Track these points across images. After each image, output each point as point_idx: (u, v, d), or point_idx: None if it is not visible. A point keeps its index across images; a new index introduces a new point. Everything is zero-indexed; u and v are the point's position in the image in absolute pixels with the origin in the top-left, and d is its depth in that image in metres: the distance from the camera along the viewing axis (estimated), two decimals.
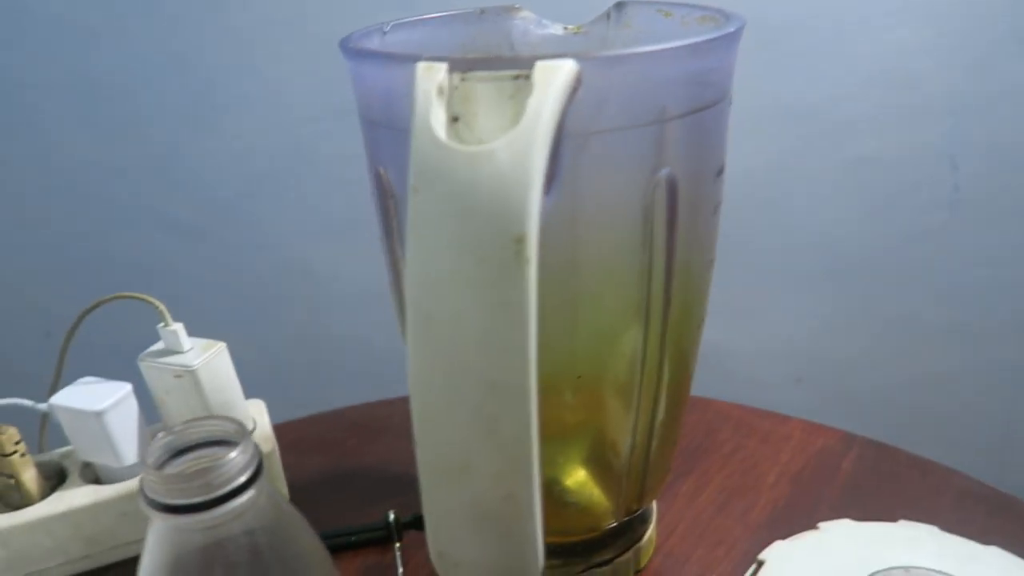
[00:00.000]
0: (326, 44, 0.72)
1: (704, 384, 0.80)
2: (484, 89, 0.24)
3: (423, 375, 0.23)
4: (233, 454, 0.23)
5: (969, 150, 0.65)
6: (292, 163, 0.75)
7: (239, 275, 0.81)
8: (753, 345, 0.76)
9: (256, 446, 0.24)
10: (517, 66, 0.23)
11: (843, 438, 0.47)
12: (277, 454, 0.44)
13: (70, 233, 0.80)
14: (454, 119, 0.24)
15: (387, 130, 0.28)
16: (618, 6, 0.35)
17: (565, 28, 0.38)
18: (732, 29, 0.26)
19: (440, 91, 0.24)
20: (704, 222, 0.30)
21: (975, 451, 0.77)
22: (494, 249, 0.22)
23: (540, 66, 0.23)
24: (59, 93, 0.74)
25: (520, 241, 0.22)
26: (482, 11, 0.36)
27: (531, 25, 0.37)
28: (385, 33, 0.33)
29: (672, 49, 0.24)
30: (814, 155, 0.67)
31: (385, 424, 0.52)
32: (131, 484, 0.40)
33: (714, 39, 0.26)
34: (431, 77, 0.23)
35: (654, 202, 0.27)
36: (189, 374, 0.39)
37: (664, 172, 0.27)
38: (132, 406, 0.40)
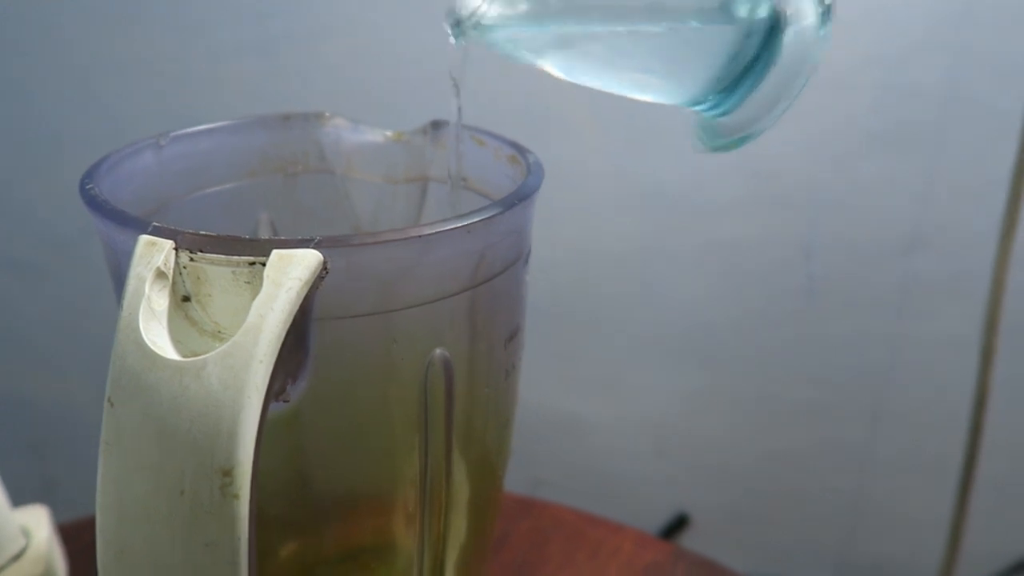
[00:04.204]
0: (175, 80, 0.67)
1: (564, 453, 0.78)
2: (217, 272, 0.21)
3: None
4: None
5: (824, 242, 0.65)
6: None
7: (81, 317, 0.75)
8: (616, 417, 0.75)
9: None
10: (253, 251, 0.20)
11: (671, 554, 0.46)
12: (59, 571, 0.39)
13: None
14: (185, 298, 0.21)
15: None
16: (435, 124, 0.33)
17: (384, 134, 0.35)
18: (517, 203, 0.24)
19: (160, 274, 0.20)
20: (494, 388, 0.27)
21: (826, 521, 0.79)
22: (197, 482, 0.19)
23: (275, 256, 0.20)
24: None
25: (228, 474, 0.19)
26: (286, 116, 0.33)
27: (344, 132, 0.34)
28: (161, 147, 0.29)
29: (440, 233, 0.22)
30: (678, 237, 0.66)
31: None
32: None
33: (495, 216, 0.23)
34: (149, 258, 0.20)
35: (428, 380, 0.25)
36: None
37: (438, 352, 0.24)
38: None
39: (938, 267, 0.67)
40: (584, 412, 0.76)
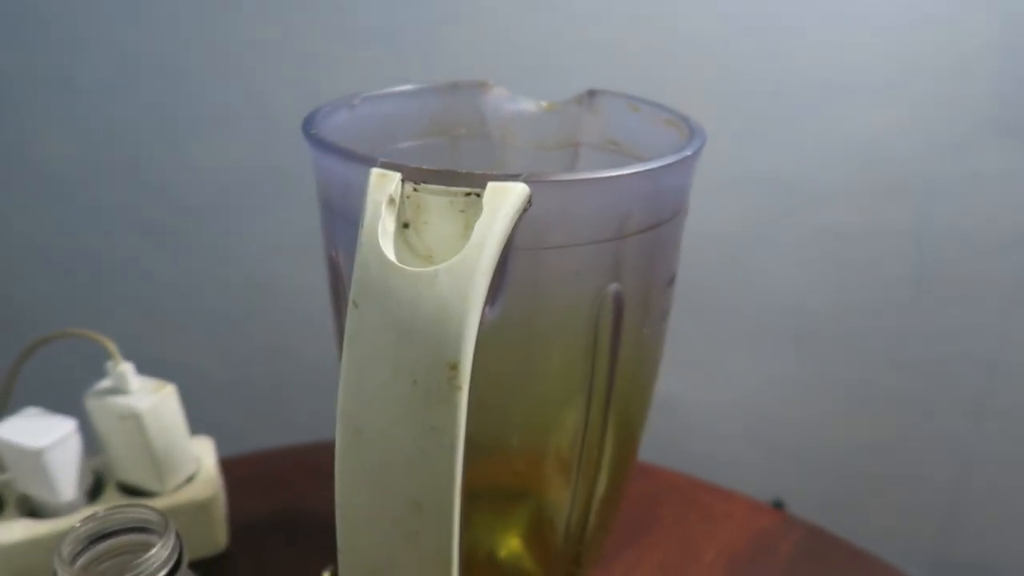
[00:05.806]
0: (315, 61, 0.72)
1: (659, 433, 0.80)
2: (436, 201, 0.24)
3: (349, 486, 0.23)
4: (153, 550, 0.23)
5: (936, 231, 0.66)
6: (270, 178, 0.75)
7: (206, 284, 0.81)
8: (710, 399, 0.77)
9: (178, 537, 0.24)
10: (470, 183, 0.23)
11: (783, 522, 0.48)
12: (222, 497, 0.44)
13: (38, 229, 0.79)
14: (405, 225, 0.24)
15: (342, 219, 0.28)
16: (591, 92, 0.36)
17: (539, 104, 0.38)
18: (689, 152, 0.27)
19: (391, 201, 0.24)
20: (651, 329, 0.30)
21: (924, 515, 0.79)
22: (428, 373, 0.22)
23: (491, 188, 0.23)
24: (39, 90, 0.73)
25: (454, 368, 0.22)
26: (455, 84, 0.36)
27: (503, 101, 0.37)
28: (354, 107, 0.33)
29: (627, 176, 0.25)
30: (785, 223, 0.67)
31: None
32: (67, 521, 0.39)
33: (670, 164, 0.26)
34: (383, 187, 0.24)
35: (600, 314, 0.27)
36: (134, 417, 0.39)
37: (612, 287, 0.27)
38: (75, 444, 0.39)
39: None
40: (678, 391, 0.77)
